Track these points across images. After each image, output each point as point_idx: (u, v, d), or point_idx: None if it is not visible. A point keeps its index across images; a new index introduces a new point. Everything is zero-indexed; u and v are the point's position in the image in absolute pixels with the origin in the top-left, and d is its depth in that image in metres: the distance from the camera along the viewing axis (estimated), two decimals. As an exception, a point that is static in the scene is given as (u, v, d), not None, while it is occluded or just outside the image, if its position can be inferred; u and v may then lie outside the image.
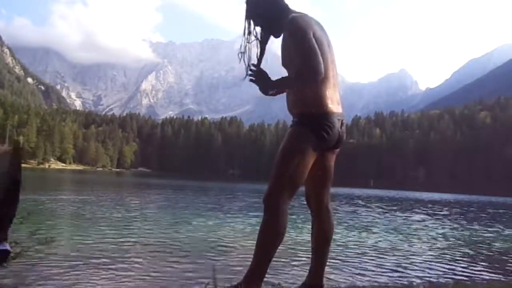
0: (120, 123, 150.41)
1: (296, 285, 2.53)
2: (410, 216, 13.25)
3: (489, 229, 10.56)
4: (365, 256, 5.38)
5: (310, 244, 2.41)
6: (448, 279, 4.18)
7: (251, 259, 2.15)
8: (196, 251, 5.06)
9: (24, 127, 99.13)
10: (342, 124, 2.16)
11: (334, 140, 2.14)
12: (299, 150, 2.08)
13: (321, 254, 2.29)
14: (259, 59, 2.31)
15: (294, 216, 9.78)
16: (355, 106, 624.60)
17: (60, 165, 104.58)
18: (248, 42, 2.32)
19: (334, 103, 2.12)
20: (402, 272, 4.52)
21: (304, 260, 4.39)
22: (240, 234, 6.77)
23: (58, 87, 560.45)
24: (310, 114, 2.09)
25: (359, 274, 4.25)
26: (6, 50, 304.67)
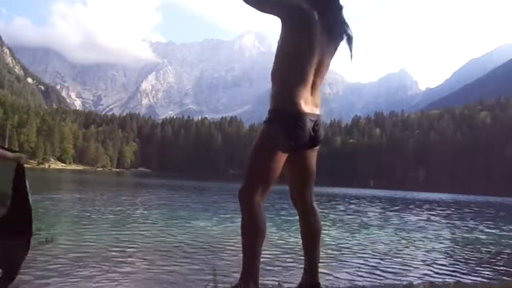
0: (120, 123, 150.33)
1: (295, 285, 2.53)
2: (410, 217, 13.26)
3: (489, 229, 10.57)
4: (365, 256, 5.38)
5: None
6: (448, 279, 4.19)
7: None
8: (196, 251, 5.06)
9: (24, 127, 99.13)
10: (316, 125, 2.18)
11: (304, 139, 2.15)
12: (268, 146, 2.12)
13: (312, 253, 2.31)
14: None
15: (291, 217, 9.80)
16: (355, 106, 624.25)
17: (60, 165, 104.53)
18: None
19: (308, 104, 2.15)
20: (402, 272, 4.52)
21: (303, 261, 4.39)
22: (240, 234, 6.77)
23: (58, 87, 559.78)
24: (281, 111, 2.13)
25: (359, 274, 4.25)
26: (6, 50, 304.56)
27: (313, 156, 2.29)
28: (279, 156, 2.12)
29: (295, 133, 2.11)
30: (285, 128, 2.11)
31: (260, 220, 2.09)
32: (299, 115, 2.11)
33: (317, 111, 2.21)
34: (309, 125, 2.14)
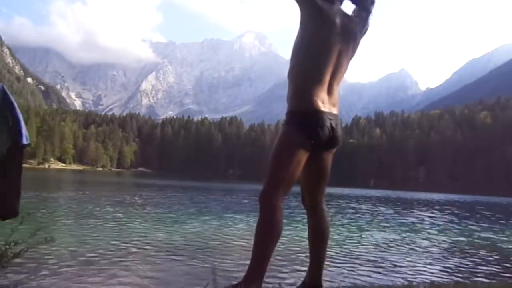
0: (120, 123, 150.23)
1: (296, 285, 2.53)
2: (410, 217, 13.26)
3: (489, 229, 10.57)
4: (365, 256, 5.38)
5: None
6: (448, 279, 4.19)
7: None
8: (196, 251, 5.06)
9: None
10: (335, 125, 2.16)
11: (324, 138, 2.13)
12: (288, 149, 2.11)
13: (318, 253, 2.30)
14: None
15: (294, 217, 9.81)
16: (355, 106, 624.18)
17: (60, 165, 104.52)
18: None
19: (326, 103, 2.14)
20: (402, 272, 4.52)
21: (303, 260, 4.40)
22: (240, 234, 6.77)
23: (58, 87, 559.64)
24: (298, 112, 2.13)
25: (359, 274, 4.25)
26: (6, 50, 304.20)
27: (329, 158, 2.27)
28: (299, 157, 2.11)
29: (314, 132, 2.10)
30: (303, 128, 2.09)
31: (278, 222, 2.08)
32: (317, 114, 2.10)
33: (334, 111, 2.19)
34: (328, 123, 2.13)
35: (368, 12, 2.31)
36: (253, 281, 2.04)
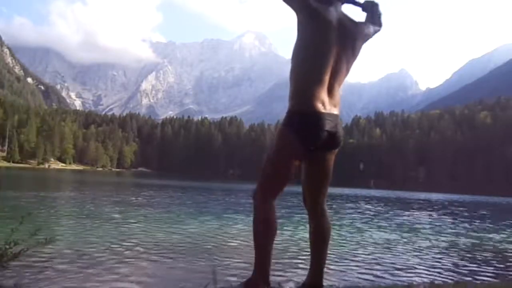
0: (120, 123, 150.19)
1: (296, 285, 2.53)
2: (410, 216, 13.27)
3: (489, 229, 10.57)
4: (365, 256, 5.38)
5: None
6: (448, 279, 4.19)
7: (251, 259, 2.21)
8: (196, 251, 5.06)
9: (24, 127, 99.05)
10: (335, 125, 2.15)
11: (323, 139, 2.12)
12: (287, 148, 2.12)
13: (319, 254, 2.30)
14: None
15: (293, 217, 9.81)
16: (355, 106, 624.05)
17: (60, 165, 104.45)
18: None
19: (326, 104, 2.12)
20: (402, 272, 4.52)
21: (304, 260, 4.40)
22: (240, 234, 6.77)
23: (58, 87, 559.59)
24: (297, 112, 2.12)
25: (359, 274, 4.25)
26: (6, 50, 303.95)
27: (331, 158, 2.26)
28: (296, 157, 2.12)
29: (313, 132, 2.09)
30: (302, 128, 2.09)
31: (272, 220, 2.12)
32: (317, 114, 2.09)
33: (335, 111, 2.18)
34: (328, 125, 2.11)
35: (377, 24, 2.34)
36: (255, 280, 2.09)
